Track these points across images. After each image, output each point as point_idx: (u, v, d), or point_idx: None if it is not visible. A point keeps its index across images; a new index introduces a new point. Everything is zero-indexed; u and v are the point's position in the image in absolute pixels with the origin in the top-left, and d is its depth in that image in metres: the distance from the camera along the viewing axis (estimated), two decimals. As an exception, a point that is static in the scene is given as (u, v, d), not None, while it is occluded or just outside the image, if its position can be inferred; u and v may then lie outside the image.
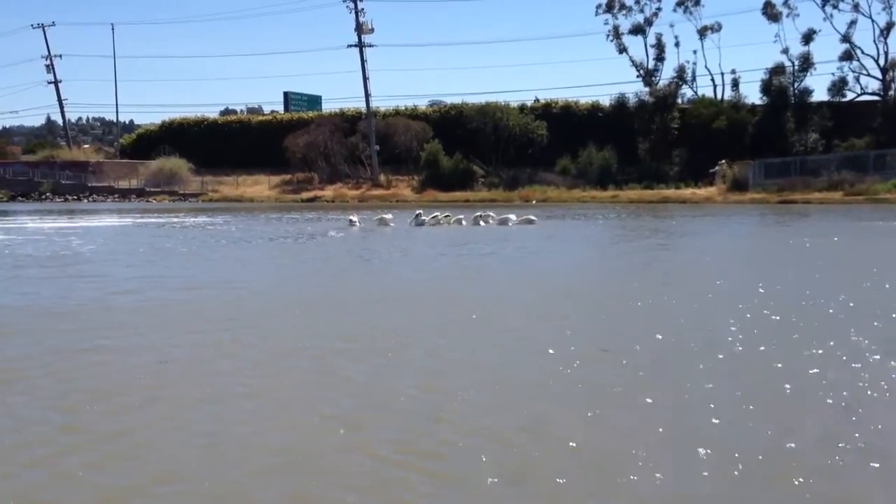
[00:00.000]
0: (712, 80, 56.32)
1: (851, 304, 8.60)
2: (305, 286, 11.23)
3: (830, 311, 8.24)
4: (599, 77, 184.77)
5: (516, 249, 16.24)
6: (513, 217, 24.66)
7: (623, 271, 12.97)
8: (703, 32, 54.80)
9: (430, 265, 13.83)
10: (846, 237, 18.98)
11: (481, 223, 24.24)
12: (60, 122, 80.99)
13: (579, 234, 22.18)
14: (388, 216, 25.13)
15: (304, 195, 55.01)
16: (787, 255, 15.00)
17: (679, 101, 54.89)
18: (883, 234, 20.12)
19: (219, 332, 7.37)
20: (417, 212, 24.53)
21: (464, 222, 24.31)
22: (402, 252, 16.40)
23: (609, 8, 56.12)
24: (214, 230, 23.99)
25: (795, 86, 52.67)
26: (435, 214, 24.82)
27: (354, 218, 25.02)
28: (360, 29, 59.62)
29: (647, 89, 55.10)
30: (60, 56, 73.71)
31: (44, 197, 59.87)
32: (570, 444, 4.29)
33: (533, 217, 24.96)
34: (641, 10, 55.82)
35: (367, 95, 59.86)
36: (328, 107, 72.08)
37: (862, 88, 52.31)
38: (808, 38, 52.32)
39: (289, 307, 9.06)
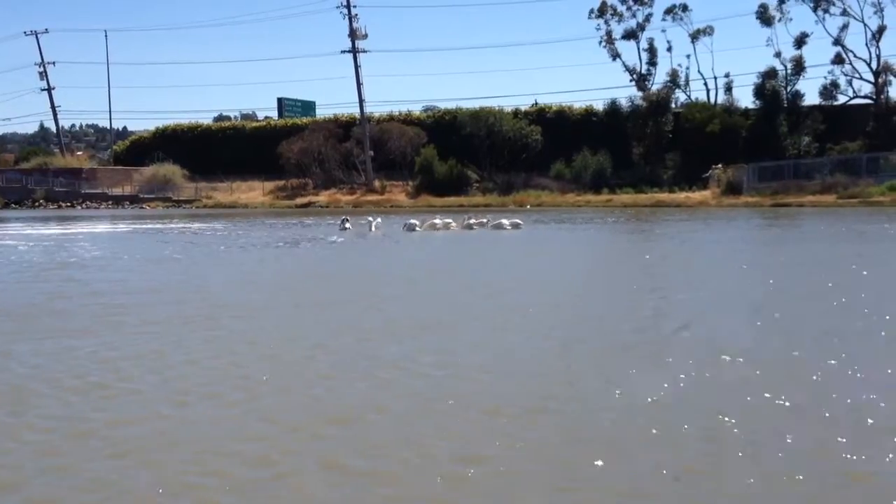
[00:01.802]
0: (705, 84, 56.60)
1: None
2: (261, 291, 11.19)
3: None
4: (593, 82, 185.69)
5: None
6: (505, 221, 24.94)
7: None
8: (695, 37, 55.00)
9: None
10: (818, 243, 19.01)
11: (474, 227, 24.53)
12: (54, 129, 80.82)
13: (558, 237, 22.18)
14: (374, 220, 25.57)
15: (299, 201, 55.01)
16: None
17: (672, 105, 55.01)
18: (860, 237, 20.09)
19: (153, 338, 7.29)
20: (411, 221, 24.90)
21: (453, 225, 24.70)
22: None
23: (601, 13, 56.30)
24: (214, 236, 24.03)
25: (788, 89, 52.88)
26: (433, 221, 25.11)
27: (348, 222, 25.63)
28: (353, 34, 59.70)
29: (640, 94, 55.26)
30: (54, 63, 73.76)
31: (37, 204, 59.75)
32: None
33: (519, 221, 25.14)
34: (633, 16, 56.07)
35: (361, 101, 60.01)
36: (322, 112, 72.14)
37: (854, 92, 52.59)
38: (800, 41, 52.56)
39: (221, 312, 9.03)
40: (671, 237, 20.92)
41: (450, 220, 25.24)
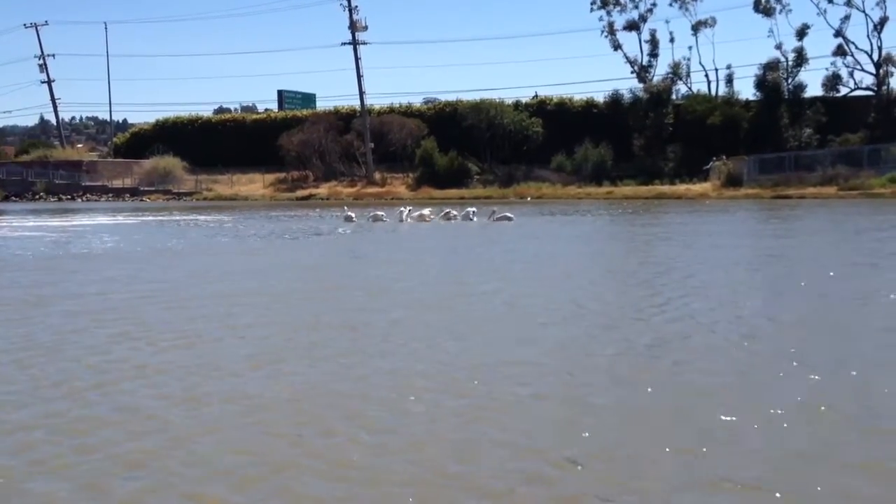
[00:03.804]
0: (706, 75, 56.51)
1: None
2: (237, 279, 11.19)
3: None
4: (594, 73, 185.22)
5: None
6: (472, 210, 26.03)
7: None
8: (697, 28, 54.90)
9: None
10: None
11: (453, 220, 25.45)
12: (54, 121, 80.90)
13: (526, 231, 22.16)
14: (381, 213, 26.44)
15: (299, 193, 54.98)
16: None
17: (673, 96, 54.98)
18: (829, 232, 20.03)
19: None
20: (400, 209, 26.32)
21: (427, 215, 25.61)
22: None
23: (604, 4, 56.20)
24: (223, 228, 24.14)
25: (789, 81, 52.76)
26: (421, 212, 25.95)
27: (352, 214, 26.22)
28: (353, 26, 59.57)
29: (641, 85, 55.19)
30: (53, 55, 73.75)
31: (38, 197, 59.75)
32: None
33: (510, 214, 25.44)
34: (636, 7, 56.00)
35: (362, 93, 59.88)
36: (322, 105, 72.12)
37: (856, 83, 52.51)
38: (801, 33, 52.47)
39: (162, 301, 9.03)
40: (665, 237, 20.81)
41: (428, 211, 26.23)
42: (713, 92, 55.30)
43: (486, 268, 12.38)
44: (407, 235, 20.42)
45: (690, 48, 56.02)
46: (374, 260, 14.47)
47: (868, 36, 51.67)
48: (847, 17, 51.73)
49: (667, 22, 56.97)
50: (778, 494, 3.47)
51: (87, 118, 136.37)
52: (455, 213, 26.18)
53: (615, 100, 55.86)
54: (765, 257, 13.57)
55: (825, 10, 51.98)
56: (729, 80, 55.07)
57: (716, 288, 9.50)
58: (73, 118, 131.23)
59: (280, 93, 73.71)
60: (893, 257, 13.21)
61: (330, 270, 12.90)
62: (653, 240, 17.66)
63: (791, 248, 15.44)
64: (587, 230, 22.02)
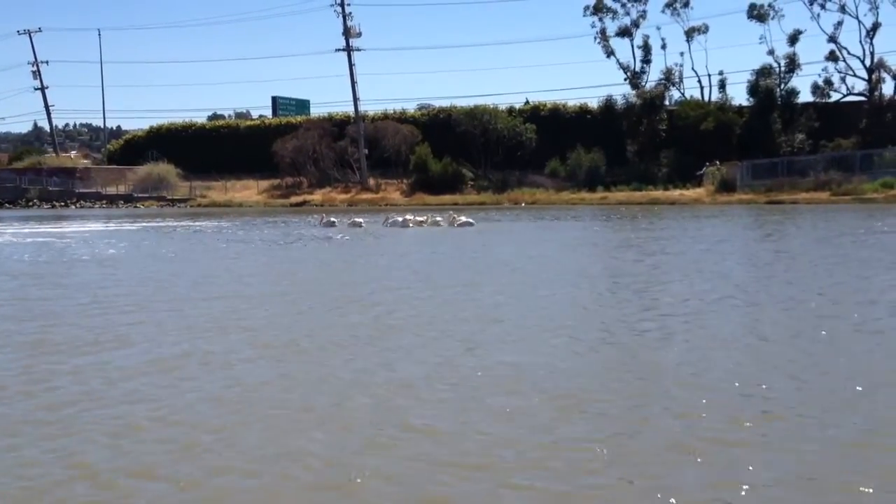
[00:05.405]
0: (699, 81, 56.70)
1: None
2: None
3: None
4: (587, 79, 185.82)
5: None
6: (399, 218, 26.45)
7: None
8: (689, 34, 55.16)
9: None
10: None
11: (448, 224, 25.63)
12: (47, 128, 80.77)
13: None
14: (360, 220, 26.92)
15: (293, 199, 54.94)
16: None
17: (666, 102, 55.15)
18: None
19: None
20: (399, 217, 26.42)
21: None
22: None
23: (596, 10, 56.41)
24: (206, 233, 24.13)
25: (782, 87, 53.02)
26: (406, 217, 26.39)
27: (333, 219, 27.14)
28: (347, 33, 59.68)
29: (634, 91, 55.35)
30: (47, 62, 73.83)
31: (31, 203, 59.58)
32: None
33: (471, 220, 25.72)
34: (628, 13, 56.19)
35: (356, 99, 59.96)
36: (316, 111, 72.28)
37: (848, 89, 52.80)
38: (793, 39, 52.78)
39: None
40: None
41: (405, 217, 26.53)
42: (706, 98, 55.56)
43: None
44: (388, 241, 20.44)
45: (683, 54, 56.39)
46: (342, 265, 14.48)
47: (861, 42, 52.03)
48: (840, 23, 52.12)
49: (658, 28, 57.11)
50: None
51: (81, 125, 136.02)
52: (440, 218, 26.72)
53: (608, 106, 56.06)
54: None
55: (818, 16, 52.30)
56: (722, 85, 55.39)
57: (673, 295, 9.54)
58: (67, 125, 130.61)
59: (274, 99, 73.83)
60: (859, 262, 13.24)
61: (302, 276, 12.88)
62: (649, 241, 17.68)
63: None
64: (566, 235, 22.03)
